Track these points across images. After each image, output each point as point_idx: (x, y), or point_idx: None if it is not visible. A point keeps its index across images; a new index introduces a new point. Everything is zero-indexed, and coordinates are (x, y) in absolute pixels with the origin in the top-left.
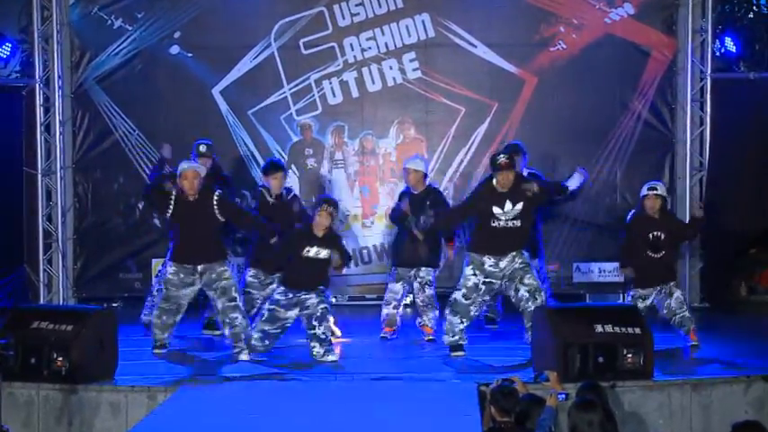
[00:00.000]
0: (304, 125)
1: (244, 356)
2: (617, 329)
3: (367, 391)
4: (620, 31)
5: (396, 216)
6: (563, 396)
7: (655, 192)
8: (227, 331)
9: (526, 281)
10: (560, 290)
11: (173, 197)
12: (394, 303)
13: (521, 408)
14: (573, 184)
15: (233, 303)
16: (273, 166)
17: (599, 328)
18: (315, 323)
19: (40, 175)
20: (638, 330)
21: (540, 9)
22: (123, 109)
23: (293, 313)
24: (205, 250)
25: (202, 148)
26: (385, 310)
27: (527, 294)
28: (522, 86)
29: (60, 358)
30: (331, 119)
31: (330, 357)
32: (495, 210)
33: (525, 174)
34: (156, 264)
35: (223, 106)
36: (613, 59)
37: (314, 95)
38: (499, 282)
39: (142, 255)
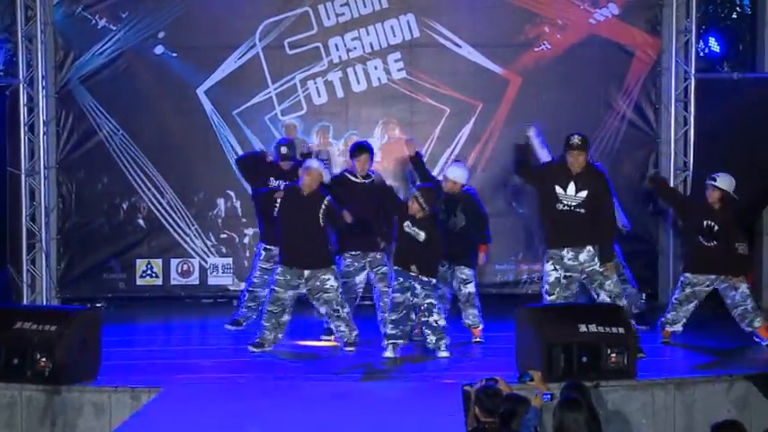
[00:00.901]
0: (289, 125)
1: (389, 353)
2: (601, 329)
3: (352, 390)
4: (604, 31)
5: None
6: (547, 396)
7: (712, 182)
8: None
9: (607, 287)
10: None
11: (282, 189)
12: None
13: (505, 408)
14: (543, 155)
15: (334, 313)
16: (360, 148)
17: (583, 328)
18: (424, 312)
19: (23, 175)
20: (621, 330)
21: (525, 10)
22: (107, 109)
23: (407, 296)
24: (313, 255)
25: (284, 150)
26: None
27: (608, 299)
28: (507, 87)
29: (44, 359)
30: (316, 119)
31: (443, 353)
32: (558, 189)
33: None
34: (141, 263)
35: (208, 106)
36: (598, 60)
37: (299, 96)
38: (578, 275)
39: (126, 255)
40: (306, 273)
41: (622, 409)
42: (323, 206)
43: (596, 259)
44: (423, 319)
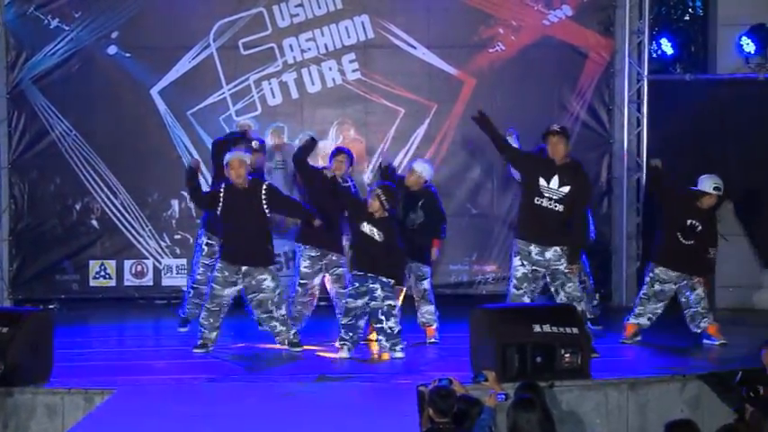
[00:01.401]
0: (243, 126)
1: (342, 354)
2: (555, 329)
3: (307, 392)
4: (558, 32)
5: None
6: (502, 396)
7: (718, 193)
8: (276, 339)
9: (567, 288)
10: (503, 290)
11: (222, 190)
12: None
13: (458, 408)
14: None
15: (267, 315)
16: (338, 151)
17: (537, 328)
18: (382, 317)
19: None
20: (575, 330)
21: (479, 11)
22: (60, 109)
23: (363, 301)
24: (251, 251)
25: (255, 145)
26: None
27: (566, 300)
28: (461, 88)
29: None
30: (270, 120)
31: (398, 354)
32: (542, 181)
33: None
34: (94, 264)
35: (161, 107)
36: (552, 61)
37: (253, 96)
38: (543, 271)
39: (79, 256)
40: (243, 268)
41: (576, 409)
42: (263, 192)
43: (562, 259)
44: (377, 325)
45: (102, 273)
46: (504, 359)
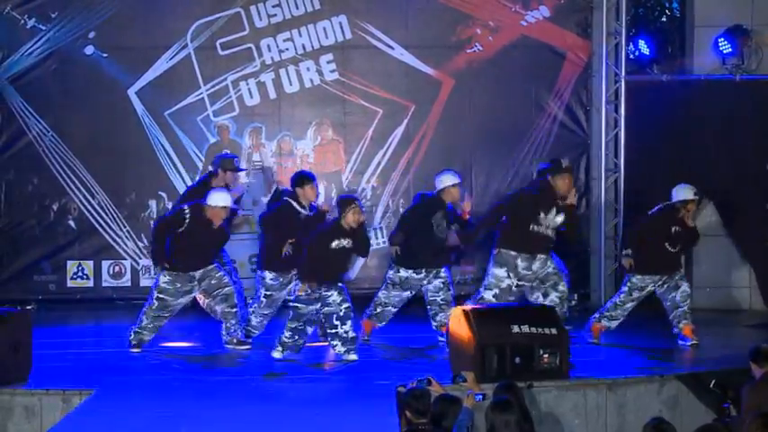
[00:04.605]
0: (221, 126)
1: (276, 353)
2: (533, 330)
3: (287, 391)
4: (535, 33)
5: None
6: (480, 397)
7: (698, 196)
8: (224, 336)
9: (560, 288)
10: None
11: (187, 215)
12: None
13: (436, 408)
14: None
15: (233, 310)
16: (303, 178)
17: (516, 329)
18: (337, 322)
19: None
20: (554, 331)
21: (457, 11)
22: (37, 109)
23: (313, 308)
24: (205, 259)
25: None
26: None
27: (558, 300)
28: (440, 88)
29: None
30: (248, 120)
31: (352, 356)
32: (541, 214)
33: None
34: (72, 265)
35: (139, 107)
36: (529, 61)
37: (231, 96)
38: (530, 285)
39: (57, 257)
40: (197, 274)
41: (555, 409)
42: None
43: (549, 261)
44: (331, 330)
45: (80, 273)
46: (483, 359)
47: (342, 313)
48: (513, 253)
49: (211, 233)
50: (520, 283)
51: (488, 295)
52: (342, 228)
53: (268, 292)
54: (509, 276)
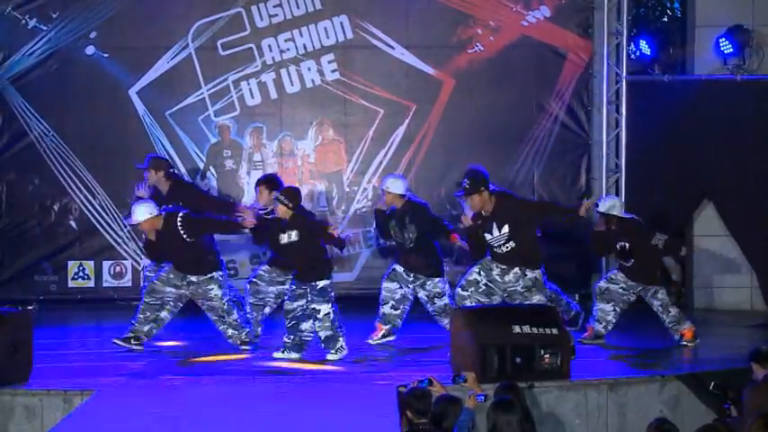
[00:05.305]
0: (222, 126)
1: (278, 353)
2: (534, 330)
3: (289, 391)
4: (536, 33)
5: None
6: (481, 397)
7: (596, 209)
8: (229, 341)
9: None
10: None
11: (144, 238)
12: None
13: (437, 409)
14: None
15: (218, 318)
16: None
17: (516, 329)
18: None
19: None
20: (555, 331)
21: (458, 11)
22: (38, 110)
23: (298, 304)
24: (193, 266)
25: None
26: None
27: None
28: (441, 88)
29: None
30: (249, 120)
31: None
32: (487, 236)
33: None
34: (73, 265)
35: (140, 107)
36: (530, 62)
37: (232, 97)
38: (499, 296)
39: (58, 257)
40: (188, 278)
41: (556, 409)
42: (179, 226)
43: (521, 281)
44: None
45: (81, 273)
46: (484, 360)
47: (308, 313)
48: (489, 257)
49: (173, 243)
50: (487, 282)
51: (457, 287)
52: (280, 215)
53: (254, 280)
54: (480, 273)
